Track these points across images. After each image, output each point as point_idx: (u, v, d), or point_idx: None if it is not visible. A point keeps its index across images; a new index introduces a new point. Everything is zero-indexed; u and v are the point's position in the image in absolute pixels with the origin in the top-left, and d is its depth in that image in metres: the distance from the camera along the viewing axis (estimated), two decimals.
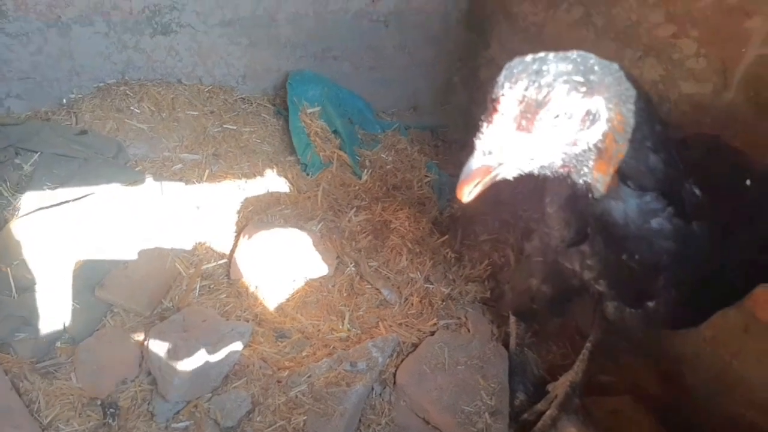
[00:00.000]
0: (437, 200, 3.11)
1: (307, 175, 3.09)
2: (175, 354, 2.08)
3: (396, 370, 2.29)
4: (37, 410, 2.04)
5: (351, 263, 2.73)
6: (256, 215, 2.82)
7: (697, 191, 1.39)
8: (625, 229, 1.35)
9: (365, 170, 3.21)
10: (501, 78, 1.18)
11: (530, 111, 1.16)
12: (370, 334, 2.46)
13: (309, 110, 3.28)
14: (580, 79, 1.16)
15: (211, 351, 2.12)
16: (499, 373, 2.28)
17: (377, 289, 2.65)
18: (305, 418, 2.05)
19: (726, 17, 2.06)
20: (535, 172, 1.29)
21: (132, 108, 3.13)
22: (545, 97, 1.15)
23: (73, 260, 2.45)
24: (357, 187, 3.11)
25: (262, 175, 3.05)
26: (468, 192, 1.23)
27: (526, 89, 1.15)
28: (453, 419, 2.13)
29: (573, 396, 2.16)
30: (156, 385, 2.11)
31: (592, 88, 1.17)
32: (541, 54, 1.19)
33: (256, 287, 2.55)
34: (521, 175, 1.29)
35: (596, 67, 1.19)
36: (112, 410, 2.07)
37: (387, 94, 3.76)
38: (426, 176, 3.30)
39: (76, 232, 2.52)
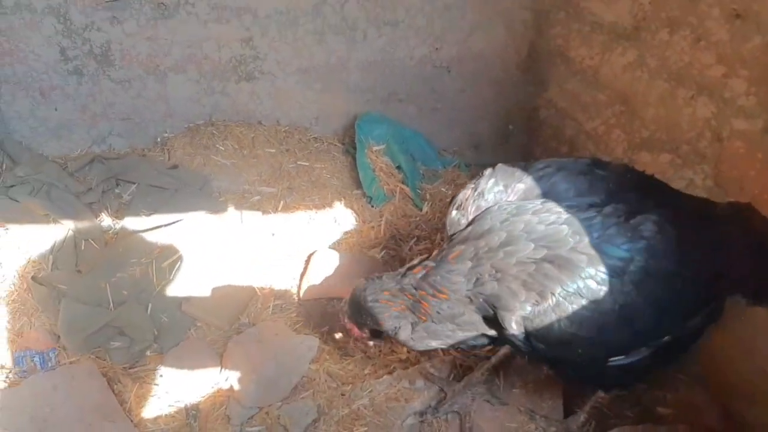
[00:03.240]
0: None
1: (372, 206, 3.31)
2: (250, 362, 2.29)
3: None
4: (129, 409, 2.29)
5: None
6: (324, 242, 3.05)
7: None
8: None
9: (426, 202, 3.39)
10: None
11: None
12: (428, 356, 2.59)
13: (375, 148, 3.52)
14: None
15: (282, 361, 2.32)
16: (553, 396, 2.35)
17: None
18: (366, 429, 2.20)
19: None
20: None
21: (217, 146, 3.48)
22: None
23: (163, 278, 2.74)
24: (418, 218, 3.29)
25: (330, 206, 3.30)
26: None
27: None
28: None
29: None
30: (233, 392, 2.32)
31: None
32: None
33: (324, 308, 2.75)
34: None
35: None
36: (193, 413, 2.29)
37: (449, 133, 3.95)
38: None
39: (166, 253, 2.81)
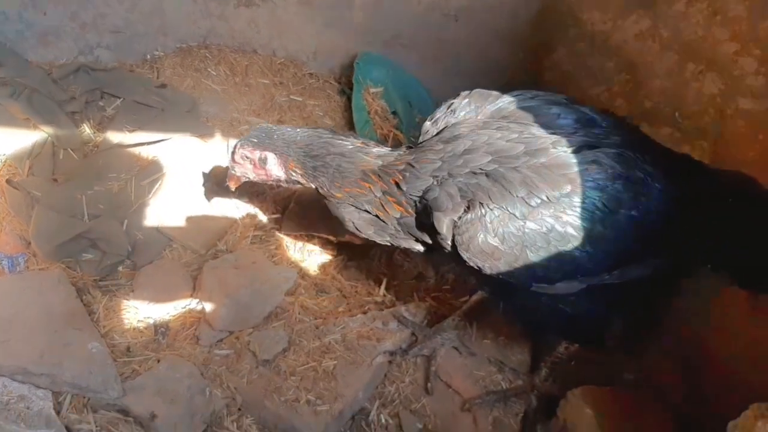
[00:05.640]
0: None
1: None
2: (225, 286, 2.25)
3: None
4: (96, 320, 2.25)
5: None
6: None
7: None
8: None
9: None
10: None
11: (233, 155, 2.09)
12: (404, 302, 2.58)
13: (372, 90, 3.43)
14: (253, 140, 2.03)
15: (258, 289, 2.29)
16: (524, 351, 2.36)
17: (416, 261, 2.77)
18: (335, 363, 2.19)
19: None
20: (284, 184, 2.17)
21: (209, 70, 3.35)
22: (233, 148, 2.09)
23: (142, 196, 2.66)
24: None
25: None
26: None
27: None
28: (474, 387, 2.23)
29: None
30: (204, 314, 2.29)
31: (261, 145, 2.01)
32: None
33: (304, 244, 2.71)
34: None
35: (275, 135, 2.01)
36: (162, 330, 2.26)
37: (448, 84, 3.82)
38: None
39: (148, 171, 2.73)
